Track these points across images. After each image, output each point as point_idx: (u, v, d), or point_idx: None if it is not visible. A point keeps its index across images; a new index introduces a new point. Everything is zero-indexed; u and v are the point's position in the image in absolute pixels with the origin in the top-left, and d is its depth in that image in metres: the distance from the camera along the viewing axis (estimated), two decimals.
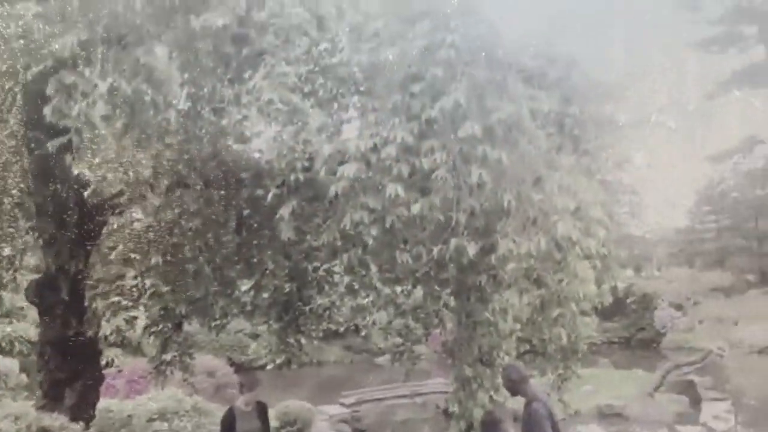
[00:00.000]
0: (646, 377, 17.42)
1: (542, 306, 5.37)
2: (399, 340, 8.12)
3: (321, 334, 9.37)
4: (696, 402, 15.91)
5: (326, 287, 7.86)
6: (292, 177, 4.69)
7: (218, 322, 7.79)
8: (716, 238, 41.87)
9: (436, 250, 4.66)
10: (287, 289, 7.64)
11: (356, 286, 7.63)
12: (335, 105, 5.54)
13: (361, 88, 5.26)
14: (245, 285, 7.67)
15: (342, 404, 13.40)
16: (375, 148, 4.46)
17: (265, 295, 7.61)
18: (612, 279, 6.10)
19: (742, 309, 18.53)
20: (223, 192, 6.90)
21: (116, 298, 7.43)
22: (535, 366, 6.49)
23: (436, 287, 6.97)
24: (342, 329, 16.59)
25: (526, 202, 4.72)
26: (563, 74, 5.50)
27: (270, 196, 5.01)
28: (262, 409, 6.01)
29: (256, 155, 6.79)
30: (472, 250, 4.48)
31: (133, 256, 7.04)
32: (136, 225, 7.26)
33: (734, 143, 39.08)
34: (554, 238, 4.64)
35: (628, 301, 32.82)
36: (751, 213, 39.46)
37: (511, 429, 4.21)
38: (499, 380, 6.45)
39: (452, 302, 6.84)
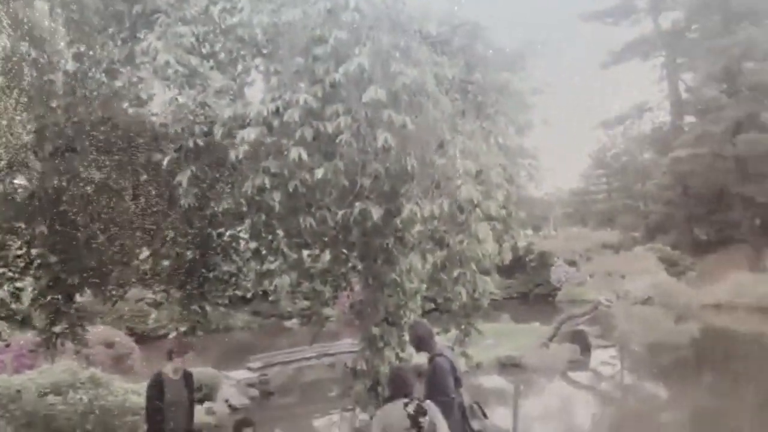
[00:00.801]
0: (543, 329, 18.49)
1: (445, 266, 5.53)
2: (307, 303, 8.14)
3: (227, 301, 9.19)
4: (586, 350, 17.16)
5: (231, 253, 7.70)
6: (191, 141, 4.51)
7: (114, 292, 7.45)
8: (607, 199, 44.90)
9: (341, 214, 4.66)
10: (190, 256, 7.41)
11: (263, 251, 7.53)
12: (238, 67, 5.35)
13: (264, 51, 5.10)
14: (144, 253, 7.36)
15: (249, 368, 13.32)
16: (278, 112, 4.36)
17: (166, 263, 7.35)
18: (512, 238, 6.37)
19: (629, 264, 20.00)
20: (117, 157, 6.52)
21: (0, 270, 6.91)
22: (439, 323, 6.72)
23: (344, 250, 7.00)
24: (249, 295, 16.35)
25: (430, 166, 4.81)
26: (466, 42, 5.58)
27: (166, 161, 4.80)
28: (189, 378, 5.72)
29: (153, 119, 6.45)
30: (376, 213, 4.52)
31: (17, 225, 6.54)
32: (20, 192, 6.72)
33: (625, 110, 41.63)
34: (457, 200, 4.77)
35: (528, 259, 34.59)
36: (639, 175, 42.51)
37: (415, 383, 4.36)
38: (405, 338, 6.66)
39: (360, 265, 6.90)
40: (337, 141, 4.39)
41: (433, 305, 7.28)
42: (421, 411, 4.03)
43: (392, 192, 5.20)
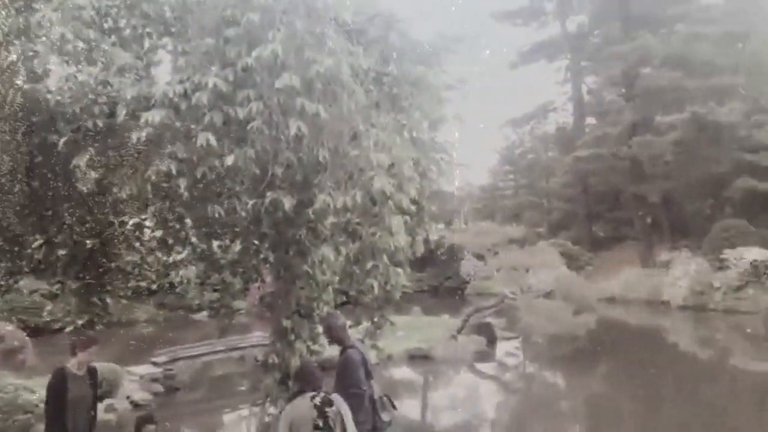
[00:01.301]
0: (452, 322, 18.96)
1: (357, 258, 5.53)
2: (216, 295, 7.91)
3: (129, 292, 8.76)
4: (492, 341, 17.78)
5: (135, 242, 7.34)
6: (90, 122, 4.23)
7: (2, 282, 6.92)
8: (514, 195, 46.70)
9: (251, 203, 4.55)
10: (89, 245, 6.99)
11: (169, 241, 7.23)
12: (144, 45, 5.07)
13: (172, 29, 4.87)
14: (37, 241, 6.87)
15: (153, 363, 12.80)
16: (186, 95, 4.18)
17: (62, 251, 6.90)
18: (424, 232, 6.46)
19: (533, 258, 20.82)
20: (8, 137, 6.03)
21: None
22: (352, 316, 6.73)
23: (255, 241, 6.85)
24: (154, 286, 15.68)
25: (343, 156, 4.78)
26: (382, 33, 5.58)
27: (62, 142, 4.49)
28: (93, 374, 5.42)
29: (49, 96, 6.01)
30: (288, 203, 4.45)
31: None
32: None
33: (531, 109, 43.36)
34: (370, 193, 4.77)
35: (439, 252, 35.38)
36: (543, 173, 44.49)
37: (323, 376, 4.35)
38: (317, 331, 6.62)
39: (271, 256, 6.78)
40: (249, 127, 4.27)
41: (345, 298, 7.28)
42: (327, 402, 4.03)
43: (305, 182, 5.13)
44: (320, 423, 3.95)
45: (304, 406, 4.04)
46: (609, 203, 37.60)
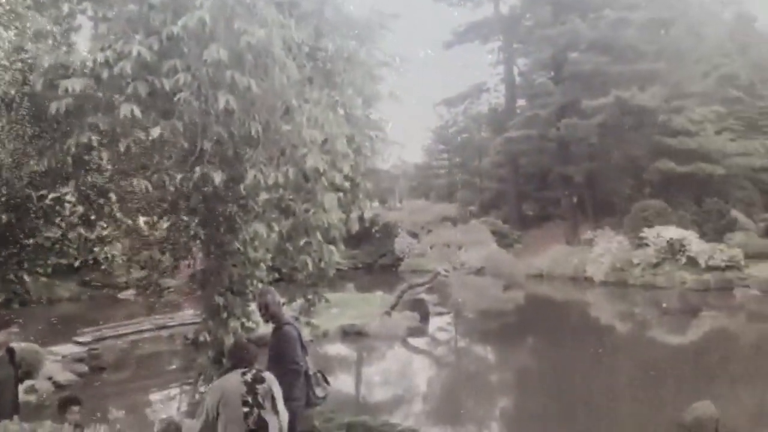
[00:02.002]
0: (386, 298, 19.20)
1: (291, 235, 5.49)
2: (144, 273, 7.68)
3: (50, 270, 8.37)
4: (425, 317, 18.14)
5: (55, 218, 6.99)
6: (1, 90, 3.98)
7: None
8: (447, 174, 47.38)
9: (180, 178, 4.41)
10: (5, 220, 6.61)
11: (92, 217, 6.94)
12: (63, 9, 4.78)
13: None
14: None
15: (77, 342, 12.35)
16: (107, 63, 3.98)
17: None
18: (359, 209, 6.46)
19: (465, 236, 21.30)
20: None
21: None
22: (286, 293, 6.70)
23: (184, 217, 6.68)
24: (77, 263, 15.03)
25: (275, 132, 4.70)
26: (316, 6, 5.48)
27: None
28: (12, 355, 5.23)
29: None
30: (218, 178, 4.34)
31: None
32: None
33: (465, 90, 43.86)
34: (302, 169, 4.73)
35: (373, 230, 35.56)
36: (476, 152, 45.30)
37: (257, 354, 4.32)
38: (250, 308, 6.56)
39: (202, 233, 6.63)
40: (176, 99, 4.12)
41: (278, 275, 7.22)
42: (258, 379, 4.01)
43: (236, 157, 5.03)
44: (249, 399, 3.93)
45: (234, 381, 4.01)
46: (537, 183, 38.80)
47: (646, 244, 24.68)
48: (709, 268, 22.75)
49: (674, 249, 23.87)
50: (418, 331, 16.79)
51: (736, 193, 31.05)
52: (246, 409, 3.90)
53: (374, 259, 35.04)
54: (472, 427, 9.38)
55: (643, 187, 33.38)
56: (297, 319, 6.39)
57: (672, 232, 24.23)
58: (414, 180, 48.19)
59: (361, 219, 6.52)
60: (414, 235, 31.22)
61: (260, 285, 6.79)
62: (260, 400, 3.93)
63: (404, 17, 6.68)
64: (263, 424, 3.92)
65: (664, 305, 18.97)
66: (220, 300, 6.38)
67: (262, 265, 6.86)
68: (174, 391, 11.23)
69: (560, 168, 33.19)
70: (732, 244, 23.90)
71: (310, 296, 6.67)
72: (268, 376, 4.13)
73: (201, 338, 6.65)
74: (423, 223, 26.48)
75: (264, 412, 3.93)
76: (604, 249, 26.04)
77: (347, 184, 5.85)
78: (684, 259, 23.52)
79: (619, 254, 25.36)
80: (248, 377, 4.00)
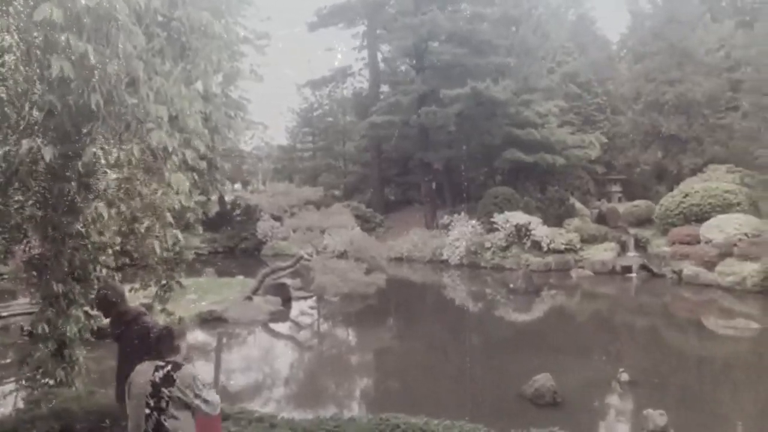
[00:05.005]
0: (248, 282, 18.77)
1: (135, 217, 5.12)
2: None
3: None
4: (288, 301, 18.00)
5: None
6: None
7: None
8: (312, 157, 47.15)
9: (2, 151, 3.92)
10: None
11: None
12: None
13: None
14: None
15: None
16: None
17: None
18: (217, 191, 6.19)
19: (328, 220, 21.29)
20: None
21: None
22: (137, 278, 6.28)
23: (17, 197, 5.99)
24: None
25: (119, 105, 4.33)
26: None
27: None
28: None
29: None
30: (48, 154, 3.90)
31: None
32: None
33: (330, 73, 43.78)
34: (149, 146, 4.41)
35: (235, 213, 34.53)
36: (340, 136, 45.51)
37: (183, 346, 3.82)
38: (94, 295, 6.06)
39: (38, 214, 5.99)
40: (0, 62, 3.65)
41: (130, 259, 6.74)
42: (168, 381, 3.60)
43: (75, 131, 4.58)
44: (152, 402, 3.57)
45: (141, 377, 3.63)
46: (400, 168, 39.84)
47: (497, 229, 26.30)
48: (551, 251, 24.79)
49: (521, 233, 25.68)
50: (281, 316, 16.63)
51: (574, 182, 34.14)
52: (147, 411, 3.57)
53: (236, 242, 34.05)
54: (333, 408, 9.45)
55: (495, 175, 35.53)
56: (151, 306, 6.02)
57: (519, 217, 26.03)
58: (278, 163, 47.43)
59: (221, 201, 6.29)
60: (277, 219, 30.76)
61: (105, 270, 6.32)
62: (163, 405, 3.57)
63: None
64: (161, 429, 3.58)
65: (511, 286, 20.36)
66: (59, 287, 5.84)
67: (108, 249, 6.36)
68: (9, 387, 10.15)
69: (421, 154, 34.30)
70: (570, 228, 26.20)
71: (164, 282, 6.30)
72: (184, 377, 3.65)
73: (39, 329, 6.05)
74: (286, 207, 26.12)
75: (165, 416, 3.57)
76: (460, 233, 27.37)
77: (204, 165, 5.58)
78: (529, 243, 25.38)
79: (473, 238, 26.80)
80: (159, 376, 3.58)
